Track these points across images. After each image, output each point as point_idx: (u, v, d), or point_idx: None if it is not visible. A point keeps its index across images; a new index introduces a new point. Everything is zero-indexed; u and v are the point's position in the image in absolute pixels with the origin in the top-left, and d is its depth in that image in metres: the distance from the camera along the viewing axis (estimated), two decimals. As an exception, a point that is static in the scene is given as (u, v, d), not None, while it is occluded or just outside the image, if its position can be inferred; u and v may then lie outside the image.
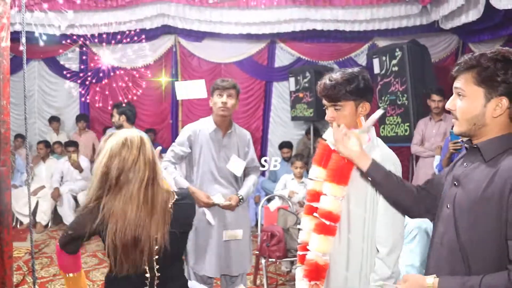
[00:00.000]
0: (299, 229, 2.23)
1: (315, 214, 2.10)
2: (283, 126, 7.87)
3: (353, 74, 2.02)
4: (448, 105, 1.69)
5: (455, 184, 1.68)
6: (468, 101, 1.60)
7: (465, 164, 1.68)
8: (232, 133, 3.36)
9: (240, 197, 3.31)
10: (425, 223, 2.73)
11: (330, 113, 2.07)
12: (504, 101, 1.54)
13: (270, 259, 4.19)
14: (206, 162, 3.30)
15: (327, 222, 2.02)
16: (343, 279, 2.04)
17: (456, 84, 1.64)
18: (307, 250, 2.11)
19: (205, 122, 3.37)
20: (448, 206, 1.68)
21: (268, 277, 4.41)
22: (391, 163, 2.01)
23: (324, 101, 2.08)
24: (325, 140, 2.17)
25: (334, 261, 2.05)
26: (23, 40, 1.72)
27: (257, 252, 4.35)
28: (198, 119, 3.49)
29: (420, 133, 5.30)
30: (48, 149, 7.11)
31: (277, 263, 4.22)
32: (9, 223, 2.18)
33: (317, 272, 2.06)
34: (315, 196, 2.13)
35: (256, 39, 7.38)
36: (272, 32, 6.78)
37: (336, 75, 2.04)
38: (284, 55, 7.73)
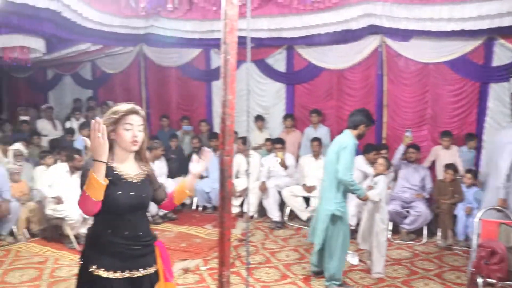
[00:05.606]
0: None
1: None
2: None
3: None
4: None
5: None
6: None
7: None
8: None
9: None
10: None
11: None
12: None
13: (488, 280, 3.78)
14: None
15: None
16: None
17: None
18: None
19: None
20: None
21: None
22: None
23: None
24: None
25: None
26: (249, 46, 1.83)
27: (473, 270, 3.96)
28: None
29: None
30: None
31: (497, 285, 3.77)
32: (230, 210, 2.35)
33: None
34: None
35: (470, 36, 6.69)
36: (491, 27, 6.08)
37: None
38: (504, 53, 6.83)
